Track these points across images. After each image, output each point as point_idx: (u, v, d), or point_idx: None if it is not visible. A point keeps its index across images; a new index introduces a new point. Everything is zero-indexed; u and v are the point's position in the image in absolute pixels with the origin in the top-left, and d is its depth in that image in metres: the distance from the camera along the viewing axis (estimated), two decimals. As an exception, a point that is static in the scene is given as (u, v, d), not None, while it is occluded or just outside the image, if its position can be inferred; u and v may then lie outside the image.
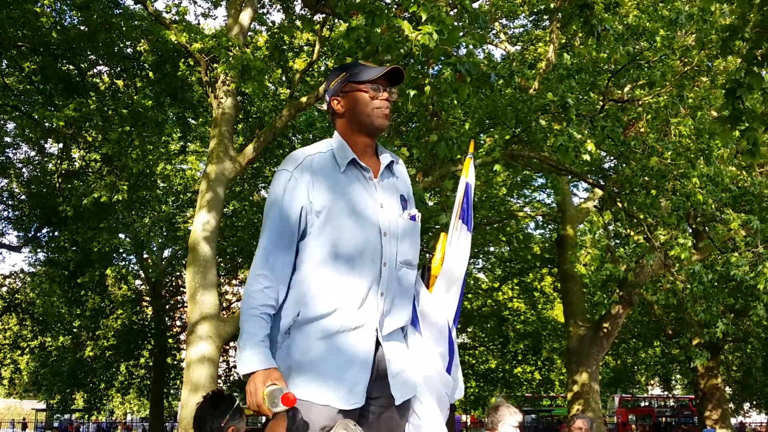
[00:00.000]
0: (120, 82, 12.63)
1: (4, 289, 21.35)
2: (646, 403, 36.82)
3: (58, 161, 14.55)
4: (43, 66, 11.85)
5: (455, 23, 6.86)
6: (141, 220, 17.18)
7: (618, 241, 14.71)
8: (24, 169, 16.67)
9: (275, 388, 1.78)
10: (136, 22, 11.82)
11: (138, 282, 23.71)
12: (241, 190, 15.38)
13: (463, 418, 42.58)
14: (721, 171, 9.79)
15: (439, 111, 8.35)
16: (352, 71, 2.05)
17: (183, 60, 11.73)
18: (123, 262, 21.48)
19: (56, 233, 16.79)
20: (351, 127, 2.04)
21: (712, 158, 9.84)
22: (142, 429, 42.26)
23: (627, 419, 33.39)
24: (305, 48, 13.60)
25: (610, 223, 15.02)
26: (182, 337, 23.01)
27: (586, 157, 8.32)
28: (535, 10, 12.70)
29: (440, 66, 6.38)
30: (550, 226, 18.77)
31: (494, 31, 14.54)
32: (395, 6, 7.67)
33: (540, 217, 18.79)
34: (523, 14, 13.67)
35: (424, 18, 5.77)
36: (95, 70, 13.14)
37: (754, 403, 32.91)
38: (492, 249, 21.26)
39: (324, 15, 9.83)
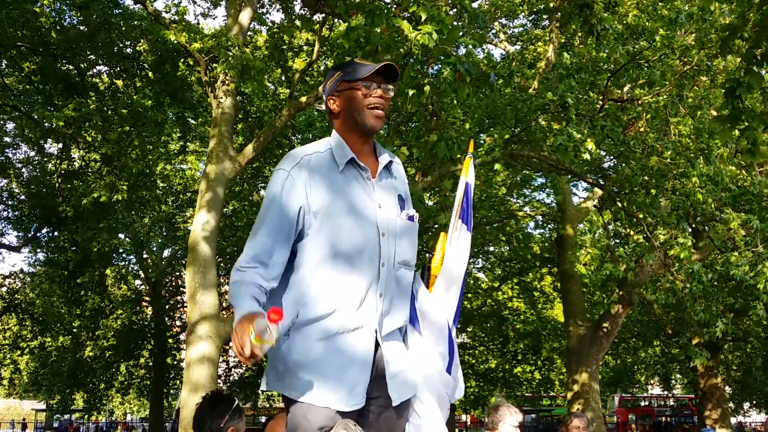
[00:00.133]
0: (119, 82, 12.62)
1: (4, 289, 21.34)
2: (646, 403, 36.83)
3: (58, 161, 14.55)
4: (42, 66, 11.85)
5: (455, 23, 6.86)
6: (141, 220, 17.18)
7: (618, 241, 14.72)
8: (24, 169, 16.67)
9: (262, 320, 1.73)
10: (135, 22, 11.82)
11: (138, 282, 23.72)
12: (240, 190, 15.39)
13: (463, 417, 42.59)
14: (720, 170, 9.79)
15: (438, 111, 8.35)
16: (346, 70, 2.03)
17: (182, 60, 11.73)
18: (123, 262, 21.50)
19: (56, 233, 16.79)
20: (347, 126, 2.03)
21: (712, 158, 9.84)
22: (142, 429, 42.25)
23: (627, 419, 33.39)
24: (305, 48, 13.60)
25: (610, 223, 15.03)
26: (182, 337, 23.01)
27: (586, 156, 8.32)
28: (535, 9, 12.70)
29: (440, 66, 6.38)
30: (549, 226, 18.77)
31: (494, 31, 14.54)
32: (395, 6, 7.67)
33: (540, 217, 18.79)
34: (523, 14, 13.67)
35: (423, 18, 5.77)
36: (95, 70, 13.15)
37: (754, 402, 32.92)
38: (492, 248, 21.26)
39: (323, 15, 9.83)
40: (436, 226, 8.48)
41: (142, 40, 11.98)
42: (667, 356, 25.92)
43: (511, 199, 18.30)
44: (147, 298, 23.19)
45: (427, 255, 12.91)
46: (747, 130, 5.80)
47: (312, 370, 1.87)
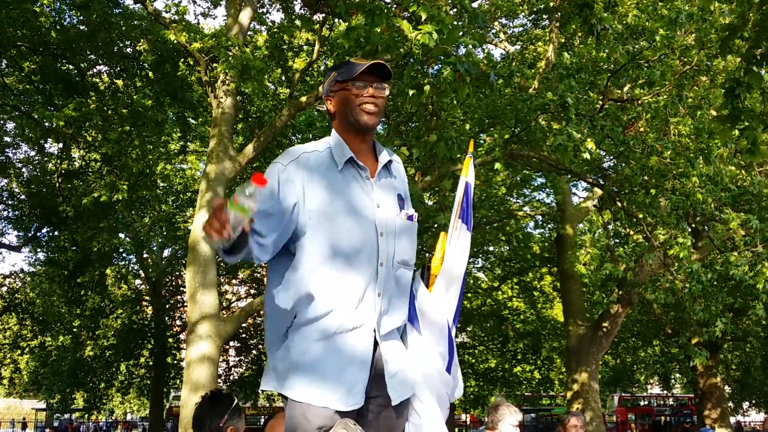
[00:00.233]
0: (120, 82, 12.62)
1: (4, 288, 21.36)
2: (646, 402, 36.83)
3: (58, 161, 14.55)
4: (42, 66, 11.85)
5: (455, 23, 6.86)
6: (141, 219, 17.19)
7: (617, 241, 14.72)
8: (24, 169, 16.67)
9: (248, 184, 1.65)
10: (135, 22, 11.82)
11: (138, 282, 23.73)
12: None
13: (463, 417, 42.60)
14: (720, 170, 9.80)
15: (438, 110, 8.35)
16: (339, 70, 2.04)
17: (183, 60, 11.73)
18: (123, 262, 21.51)
19: (56, 233, 16.79)
20: (343, 126, 2.04)
21: (712, 158, 9.85)
22: (142, 428, 42.26)
23: (626, 418, 33.39)
24: (305, 47, 13.60)
25: (610, 223, 15.03)
26: (182, 336, 23.02)
27: (586, 155, 8.33)
28: (535, 9, 12.69)
29: (440, 66, 6.38)
30: (549, 226, 18.77)
31: (494, 31, 14.54)
32: (395, 5, 7.67)
33: (539, 217, 18.79)
34: (523, 14, 13.66)
35: (423, 17, 5.78)
36: (95, 70, 13.14)
37: (753, 402, 32.94)
38: (492, 248, 21.26)
39: (323, 14, 9.83)
40: (436, 225, 8.49)
41: (142, 40, 11.98)
42: (667, 356, 25.92)
43: (511, 198, 18.29)
44: (147, 298, 23.20)
45: (427, 255, 12.92)
46: (747, 130, 5.81)
47: (311, 369, 1.87)
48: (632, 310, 17.72)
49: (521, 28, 15.09)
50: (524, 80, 11.10)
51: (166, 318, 23.53)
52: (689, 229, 11.76)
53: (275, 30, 11.97)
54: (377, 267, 1.95)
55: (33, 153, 16.35)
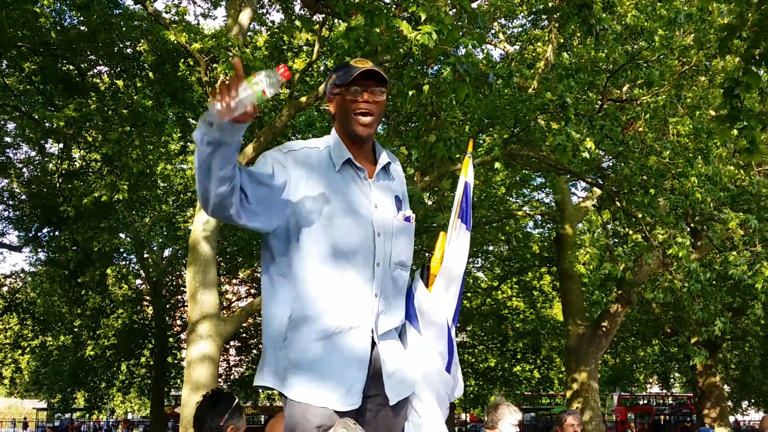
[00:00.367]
0: (120, 82, 12.63)
1: (5, 288, 21.38)
2: (645, 402, 36.82)
3: (59, 161, 14.56)
4: (43, 66, 11.86)
5: (454, 23, 6.87)
6: (141, 219, 17.20)
7: (616, 240, 14.74)
8: (24, 169, 16.69)
9: (271, 71, 1.61)
10: (135, 23, 11.82)
11: (138, 281, 23.73)
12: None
13: (463, 416, 42.60)
14: (719, 170, 9.82)
15: (438, 111, 8.37)
16: (338, 73, 2.05)
17: (183, 60, 11.74)
18: (123, 262, 21.52)
19: (57, 233, 16.80)
20: (341, 129, 2.06)
21: (711, 157, 9.87)
22: (143, 428, 42.25)
23: (626, 417, 33.38)
24: (305, 48, 13.61)
25: (609, 222, 15.05)
26: (183, 336, 23.04)
27: (586, 155, 8.35)
28: (534, 9, 12.71)
29: (439, 66, 6.40)
30: (548, 225, 18.78)
31: (493, 31, 14.56)
32: (394, 6, 7.69)
33: (539, 216, 18.80)
34: (522, 14, 13.69)
35: (423, 18, 5.79)
36: (95, 71, 13.15)
37: (753, 401, 32.95)
38: (491, 248, 21.27)
39: (323, 15, 9.85)
40: (434, 225, 8.50)
41: (142, 41, 11.98)
42: (666, 355, 25.95)
43: (511, 198, 18.30)
44: (148, 298, 23.21)
45: (426, 254, 12.93)
46: (745, 130, 5.83)
47: (309, 369, 1.87)
48: (631, 310, 17.74)
49: (520, 29, 15.11)
50: (523, 80, 11.12)
51: (167, 318, 23.54)
52: (688, 229, 11.79)
53: (275, 30, 11.99)
54: (374, 267, 1.96)
55: (33, 153, 16.38)
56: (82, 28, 11.65)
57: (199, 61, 9.44)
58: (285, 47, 12.47)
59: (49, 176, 15.86)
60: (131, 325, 22.43)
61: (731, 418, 28.32)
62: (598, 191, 13.59)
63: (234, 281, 24.49)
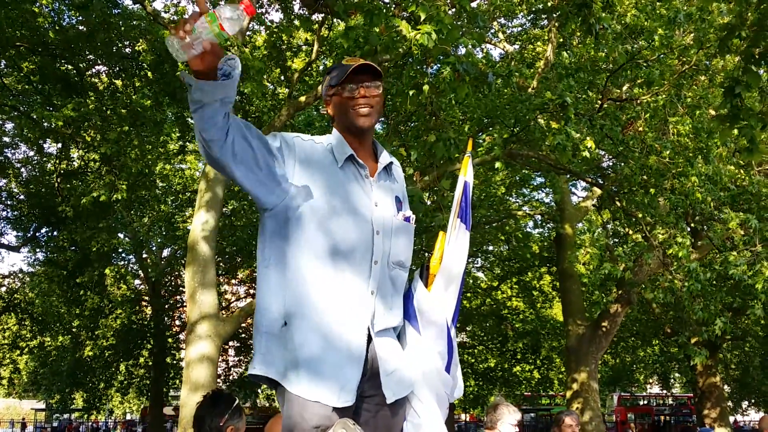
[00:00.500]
0: (118, 82, 12.62)
1: (3, 288, 21.34)
2: (645, 402, 36.83)
3: (57, 161, 14.54)
4: (41, 66, 11.84)
5: (454, 22, 6.86)
6: (140, 219, 17.19)
7: (616, 240, 14.73)
8: (23, 169, 16.67)
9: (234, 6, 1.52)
10: (134, 22, 11.81)
11: (137, 281, 23.72)
12: (240, 189, 15.37)
13: (463, 416, 42.59)
14: (719, 170, 9.81)
15: (437, 110, 8.36)
16: (332, 74, 2.07)
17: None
18: (122, 262, 21.51)
19: (55, 233, 16.80)
20: (341, 128, 2.06)
21: (711, 157, 9.86)
22: (142, 428, 42.25)
23: (626, 418, 33.38)
24: (304, 47, 13.60)
25: (609, 222, 15.04)
26: (181, 336, 23.02)
27: (586, 154, 8.34)
28: (534, 9, 12.70)
29: (439, 65, 6.39)
30: (548, 225, 18.78)
31: (492, 31, 14.55)
32: (394, 5, 7.68)
33: (539, 216, 18.79)
34: (522, 13, 13.67)
35: (422, 17, 5.78)
36: (94, 70, 13.13)
37: (753, 401, 32.95)
38: (491, 248, 21.27)
39: (322, 14, 9.83)
40: (433, 224, 8.49)
41: (141, 40, 11.97)
42: (666, 355, 25.93)
43: (510, 198, 18.31)
44: (146, 298, 23.19)
45: (426, 254, 12.91)
46: (745, 129, 5.82)
47: (304, 365, 1.86)
48: (631, 310, 17.72)
49: (520, 28, 15.10)
50: (523, 80, 11.11)
51: (166, 318, 23.52)
52: (688, 229, 11.77)
53: (274, 30, 11.97)
54: (371, 265, 1.95)
55: (32, 153, 16.37)
56: (80, 27, 11.63)
57: (198, 61, 9.39)
58: (284, 47, 12.45)
59: (47, 176, 15.84)
60: (130, 325, 22.41)
61: (731, 419, 28.31)
62: (598, 191, 13.58)
63: (233, 281, 24.48)
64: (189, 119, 13.48)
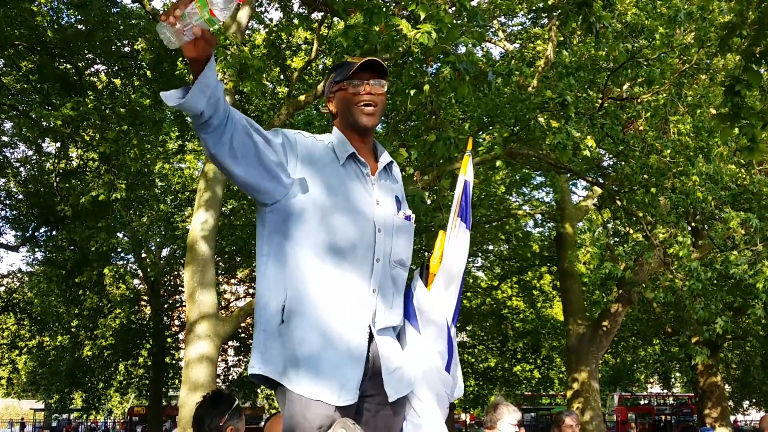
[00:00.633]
0: (117, 81, 12.61)
1: (2, 288, 21.31)
2: (646, 401, 36.84)
3: (56, 160, 14.53)
4: (40, 65, 11.83)
5: (454, 21, 6.84)
6: (139, 219, 17.17)
7: (617, 239, 14.71)
8: (21, 169, 16.65)
9: None
10: (133, 21, 11.81)
11: (136, 281, 23.70)
12: (239, 189, 15.34)
13: (463, 416, 42.60)
14: (720, 169, 9.80)
15: (437, 109, 8.34)
16: (337, 71, 2.06)
17: (181, 58, 11.71)
18: (121, 262, 21.49)
19: (54, 232, 16.79)
20: (344, 126, 2.05)
21: (712, 156, 9.85)
22: (141, 428, 42.27)
23: (626, 417, 33.39)
24: (303, 46, 13.59)
25: (609, 221, 15.02)
26: (181, 336, 23.00)
27: (587, 153, 8.32)
28: (534, 7, 12.68)
29: (439, 64, 6.37)
30: (549, 225, 18.76)
31: (492, 29, 14.52)
32: (393, 4, 7.65)
33: (539, 216, 18.78)
34: (522, 12, 13.65)
35: (422, 16, 5.76)
36: (92, 69, 13.13)
37: (753, 401, 32.95)
38: (491, 247, 21.26)
39: (322, 13, 9.81)
40: (433, 224, 8.47)
41: (140, 39, 11.96)
42: (667, 355, 25.92)
43: (511, 197, 18.29)
44: (145, 298, 23.16)
45: (426, 254, 12.89)
46: (746, 127, 5.80)
47: (305, 363, 1.84)
48: (632, 309, 17.71)
49: (520, 27, 15.08)
50: (523, 79, 11.09)
51: (165, 318, 23.51)
52: (689, 228, 11.74)
53: (274, 29, 11.94)
54: (373, 263, 1.94)
55: (31, 152, 16.36)
56: (79, 26, 11.63)
57: (197, 60, 9.37)
58: (283, 45, 12.43)
59: (46, 175, 15.83)
60: (129, 325, 22.40)
61: (732, 418, 28.31)
62: (598, 190, 13.57)
63: (232, 281, 24.46)
64: (188, 118, 13.45)
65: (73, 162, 14.80)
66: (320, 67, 12.67)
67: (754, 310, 10.13)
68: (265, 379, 1.91)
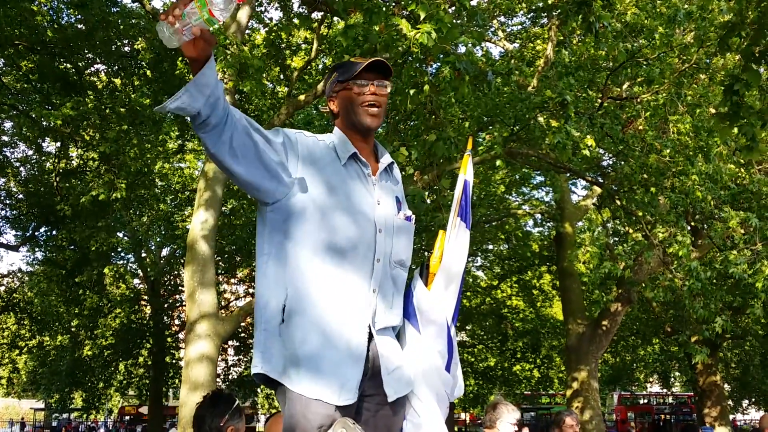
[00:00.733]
0: (117, 81, 12.61)
1: (2, 288, 21.31)
2: (645, 401, 36.87)
3: (56, 160, 14.53)
4: (40, 64, 11.83)
5: (453, 21, 6.84)
6: (139, 218, 17.18)
7: (617, 239, 14.72)
8: (22, 168, 16.66)
9: None
10: (133, 20, 11.81)
11: (136, 281, 23.70)
12: (239, 188, 15.34)
13: (463, 416, 42.59)
14: (719, 168, 9.80)
15: (437, 109, 8.34)
16: (340, 70, 2.06)
17: (180, 58, 11.71)
18: (121, 261, 21.49)
19: (54, 232, 16.78)
20: (346, 126, 2.05)
21: (711, 156, 9.85)
22: (141, 428, 42.27)
23: (626, 417, 33.41)
24: (303, 46, 13.58)
25: (609, 221, 15.03)
26: (181, 335, 23.00)
27: (586, 152, 8.33)
28: (534, 7, 12.68)
29: (438, 64, 6.37)
30: (548, 224, 18.77)
31: (492, 29, 14.52)
32: (393, 4, 7.66)
33: (539, 215, 18.79)
34: (522, 11, 13.64)
35: (422, 16, 5.76)
36: (92, 69, 13.13)
37: (753, 400, 32.96)
38: (491, 247, 21.26)
39: (322, 13, 9.82)
40: (433, 224, 8.47)
41: (140, 39, 11.96)
42: (666, 354, 25.95)
43: (510, 197, 18.29)
44: (146, 297, 23.17)
45: (426, 253, 12.90)
46: (745, 127, 5.80)
47: (305, 363, 1.84)
48: (632, 309, 17.72)
49: (520, 26, 15.07)
50: (523, 78, 11.09)
51: (165, 317, 23.51)
52: (688, 228, 11.74)
53: (273, 28, 11.94)
54: (373, 263, 1.94)
55: (31, 152, 16.36)
56: (79, 26, 11.63)
57: (197, 59, 9.37)
58: (283, 45, 12.43)
59: (46, 175, 15.83)
60: (129, 324, 22.39)
61: (731, 417, 28.32)
62: (598, 190, 13.57)
63: (232, 280, 24.45)
64: (188, 118, 13.43)
65: (73, 162, 14.80)
66: (320, 66, 12.67)
67: (754, 310, 10.14)
68: (266, 379, 1.91)
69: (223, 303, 22.63)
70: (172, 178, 18.31)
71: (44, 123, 12.25)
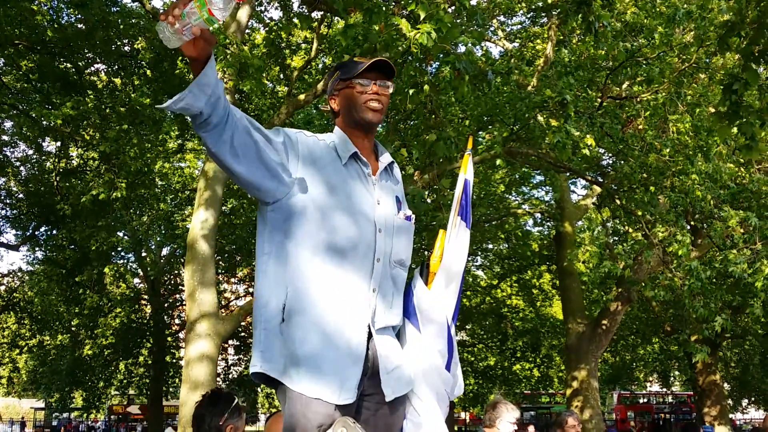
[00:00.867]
0: (118, 80, 12.61)
1: (3, 287, 21.32)
2: (645, 400, 36.87)
3: (56, 159, 14.54)
4: (40, 64, 11.83)
5: (453, 21, 6.84)
6: (139, 218, 17.19)
7: (616, 238, 14.72)
8: (22, 168, 16.66)
9: None
10: (133, 20, 11.81)
11: (136, 280, 23.71)
12: (239, 187, 15.35)
13: (463, 415, 42.60)
14: (719, 168, 9.80)
15: (437, 108, 8.34)
16: (343, 69, 2.06)
17: (180, 58, 11.72)
18: (121, 261, 21.50)
19: (54, 232, 16.79)
20: (347, 125, 2.05)
21: (711, 155, 9.85)
22: (141, 427, 42.29)
23: (626, 416, 33.41)
24: (303, 45, 13.58)
25: (609, 220, 15.04)
26: (181, 335, 23.00)
27: (586, 152, 8.33)
28: (533, 6, 12.68)
29: (438, 63, 6.38)
30: (548, 223, 18.78)
31: (492, 28, 14.52)
32: (393, 3, 7.66)
33: (538, 214, 18.79)
34: (521, 11, 13.65)
35: (422, 16, 5.76)
36: (93, 68, 13.13)
37: (752, 399, 32.98)
38: (491, 246, 21.26)
39: (322, 12, 9.82)
40: (434, 223, 8.48)
41: (140, 38, 11.96)
42: (666, 353, 25.97)
43: (510, 196, 18.30)
44: (146, 297, 23.17)
45: (426, 253, 12.91)
46: (745, 126, 5.81)
47: (305, 362, 1.85)
48: (631, 308, 17.73)
49: (519, 26, 15.07)
50: (523, 78, 11.09)
51: (165, 317, 23.51)
52: (688, 227, 11.76)
53: (273, 28, 11.95)
54: (373, 263, 1.94)
55: (31, 152, 16.36)
56: (79, 25, 11.63)
57: (197, 59, 9.37)
58: (283, 44, 12.44)
59: (46, 175, 15.83)
60: (129, 324, 22.40)
61: (731, 416, 28.33)
62: (597, 189, 13.57)
63: (233, 280, 24.47)
64: (188, 118, 13.43)
65: (73, 161, 14.80)
66: (320, 66, 12.67)
67: (753, 309, 10.15)
68: (266, 378, 1.92)
69: (223, 302, 22.64)
70: (172, 178, 18.31)
71: (44, 122, 12.26)
